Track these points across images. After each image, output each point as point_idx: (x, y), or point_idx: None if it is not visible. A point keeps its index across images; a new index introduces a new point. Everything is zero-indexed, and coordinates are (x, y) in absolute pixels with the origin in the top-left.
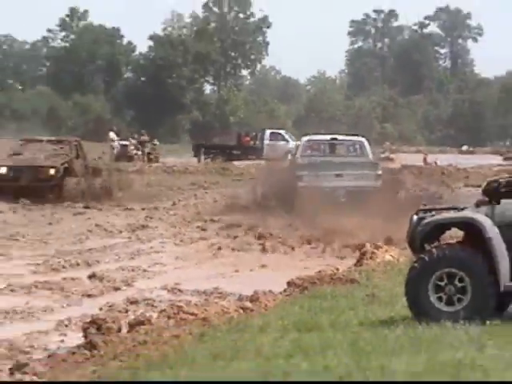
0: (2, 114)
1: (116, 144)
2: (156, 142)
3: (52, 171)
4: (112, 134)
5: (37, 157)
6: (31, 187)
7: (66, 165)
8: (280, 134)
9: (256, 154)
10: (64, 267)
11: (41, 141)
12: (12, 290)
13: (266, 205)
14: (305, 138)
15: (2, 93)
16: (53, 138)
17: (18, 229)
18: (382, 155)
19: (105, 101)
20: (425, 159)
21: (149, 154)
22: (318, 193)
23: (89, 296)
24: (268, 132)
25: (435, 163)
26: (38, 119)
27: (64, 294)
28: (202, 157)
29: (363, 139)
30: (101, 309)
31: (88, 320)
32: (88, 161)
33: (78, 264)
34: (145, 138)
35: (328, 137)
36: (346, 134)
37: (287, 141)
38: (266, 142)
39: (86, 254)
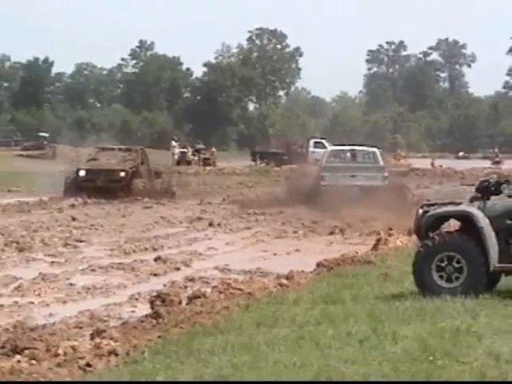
0: (84, 127)
1: (177, 151)
2: (214, 149)
3: (122, 174)
4: (173, 143)
5: (110, 162)
6: (105, 187)
7: (134, 168)
8: (321, 142)
9: (302, 159)
10: (134, 251)
11: (113, 149)
12: (92, 270)
13: (297, 200)
14: (329, 148)
15: (84, 110)
16: (122, 147)
17: (98, 220)
18: (396, 161)
19: (167, 116)
20: (432, 163)
21: (206, 159)
22: (336, 189)
23: (155, 275)
24: (312, 141)
25: (440, 166)
26: (112, 131)
27: (134, 274)
28: (258, 161)
29: (375, 149)
30: (165, 285)
31: (154, 294)
32: (150, 165)
33: (146, 249)
34: (200, 146)
35: (348, 147)
36: (363, 145)
37: (327, 148)
38: (311, 149)
39: (153, 240)
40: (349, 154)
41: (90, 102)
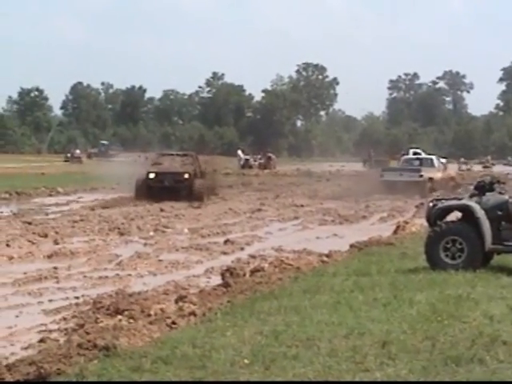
0: (170, 140)
1: (242, 158)
2: (273, 156)
3: (186, 175)
4: (239, 152)
5: (174, 165)
6: (171, 187)
7: (194, 171)
8: (418, 151)
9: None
10: (209, 235)
11: (171, 154)
12: (177, 250)
13: (356, 194)
14: (404, 157)
15: (170, 126)
16: (179, 152)
17: (180, 211)
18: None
19: (234, 130)
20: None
21: (263, 163)
22: (388, 183)
23: (224, 253)
24: (411, 150)
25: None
26: (191, 143)
27: (209, 252)
28: (368, 166)
29: (433, 156)
30: (232, 261)
31: (224, 268)
32: (202, 168)
33: (217, 233)
34: (258, 156)
35: (416, 156)
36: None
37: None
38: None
39: (223, 227)
40: (417, 160)
41: (175, 119)
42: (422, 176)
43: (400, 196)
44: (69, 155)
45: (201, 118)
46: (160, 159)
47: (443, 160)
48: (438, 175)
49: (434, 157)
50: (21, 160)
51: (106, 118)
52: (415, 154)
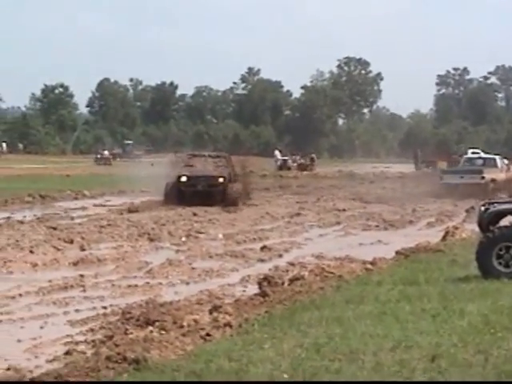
0: (203, 139)
1: (279, 159)
2: (314, 157)
3: (221, 179)
4: (276, 152)
5: (207, 168)
6: (205, 192)
7: (228, 174)
8: (477, 152)
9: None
10: (245, 241)
11: (203, 155)
12: (210, 257)
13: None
14: (464, 156)
15: (203, 125)
16: (211, 153)
17: (214, 215)
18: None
19: (271, 129)
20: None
21: (305, 165)
22: (449, 186)
23: (261, 260)
24: (470, 151)
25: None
26: (226, 142)
27: (245, 259)
28: (420, 166)
29: (496, 156)
30: (270, 269)
31: (261, 277)
32: (236, 170)
33: (254, 239)
34: (297, 157)
35: (477, 155)
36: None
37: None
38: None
39: (259, 232)
40: (479, 160)
41: (208, 118)
42: (483, 178)
43: (460, 199)
44: (99, 156)
45: (236, 116)
46: (191, 161)
47: (506, 160)
48: (501, 176)
49: (497, 157)
50: (45, 161)
51: (135, 116)
52: (474, 154)
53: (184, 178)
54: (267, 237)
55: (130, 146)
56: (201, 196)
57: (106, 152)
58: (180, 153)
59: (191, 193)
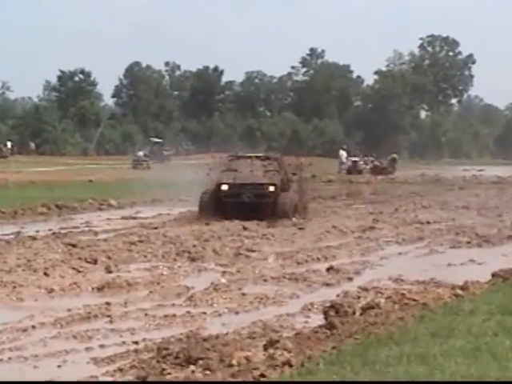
0: (254, 136)
1: (345, 160)
2: (396, 157)
3: (272, 188)
4: (341, 152)
5: (255, 174)
6: (251, 204)
7: (280, 181)
8: None
9: None
10: (307, 261)
11: (249, 157)
12: (265, 280)
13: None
14: None
15: (254, 118)
16: (259, 155)
17: (269, 229)
18: None
19: (338, 124)
20: None
21: (381, 167)
22: None
23: (327, 285)
24: None
25: None
26: (283, 140)
27: (307, 283)
28: None
29: None
30: (338, 295)
31: (327, 304)
32: (289, 175)
33: (318, 258)
34: (370, 158)
35: None
36: None
37: None
38: None
39: (325, 250)
40: None
41: (260, 110)
42: None
43: None
44: (135, 158)
45: (295, 108)
46: (234, 164)
47: None
48: None
49: None
50: (62, 163)
51: (172, 108)
52: None
53: (225, 187)
54: (334, 256)
55: (158, 144)
56: (246, 208)
57: (141, 153)
58: (224, 153)
59: (234, 204)
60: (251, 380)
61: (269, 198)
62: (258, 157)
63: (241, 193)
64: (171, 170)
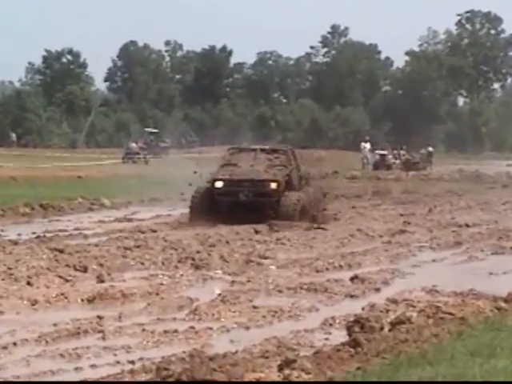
0: (268, 125)
1: (368, 154)
2: (432, 151)
3: (274, 185)
4: (365, 145)
5: (256, 169)
6: (249, 204)
7: (287, 177)
8: None
9: None
10: (327, 269)
11: (253, 150)
12: (279, 291)
13: None
14: None
15: (268, 106)
16: (265, 147)
17: (285, 233)
18: None
19: (363, 113)
20: None
21: (412, 162)
22: None
23: (351, 296)
24: None
25: None
26: (300, 130)
27: (328, 295)
28: None
29: None
30: (363, 308)
31: (351, 319)
32: (302, 171)
33: (340, 266)
34: (401, 151)
35: None
36: None
37: None
38: None
39: (348, 257)
40: None
41: (275, 96)
42: None
43: None
44: (127, 151)
45: (314, 94)
46: (235, 158)
47: None
48: None
49: None
50: (47, 157)
51: (173, 94)
52: None
53: (219, 184)
54: (359, 263)
55: (153, 135)
56: (243, 209)
57: (134, 145)
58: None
59: (229, 204)
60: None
61: (270, 198)
62: (263, 150)
63: (237, 191)
64: (171, 165)
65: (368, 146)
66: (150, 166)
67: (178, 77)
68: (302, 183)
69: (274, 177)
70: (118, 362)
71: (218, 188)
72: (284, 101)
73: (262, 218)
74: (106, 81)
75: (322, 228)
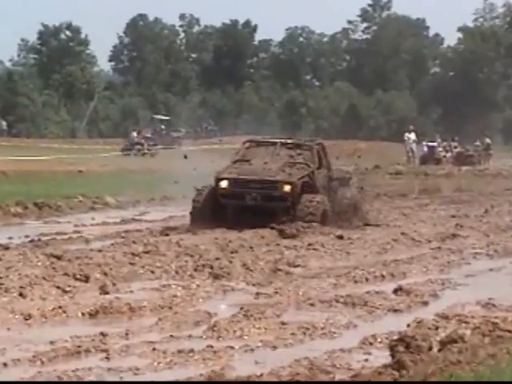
0: (298, 113)
1: (413, 145)
2: (488, 140)
3: (287, 187)
4: (409, 135)
5: (268, 167)
6: (258, 208)
7: (306, 178)
8: None
9: None
10: (367, 279)
11: (274, 144)
12: (311, 304)
13: None
14: None
15: (299, 90)
16: (289, 141)
17: (317, 237)
18: None
19: (409, 98)
20: None
21: (465, 156)
22: None
23: (395, 311)
24: None
25: None
26: (336, 118)
27: (367, 309)
28: None
29: None
30: (408, 325)
31: (395, 337)
32: (335, 170)
33: (382, 276)
34: (453, 143)
35: None
36: None
37: None
38: None
39: (392, 265)
40: None
41: (306, 79)
42: None
43: None
44: (127, 143)
45: (352, 77)
46: (252, 153)
47: None
48: None
49: None
50: (43, 149)
51: (189, 76)
52: None
53: (224, 183)
54: (404, 272)
55: (164, 123)
56: (251, 214)
57: (135, 134)
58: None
59: (235, 209)
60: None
61: (282, 202)
62: (284, 144)
63: (244, 192)
64: (183, 158)
65: (413, 136)
66: (159, 159)
67: (194, 56)
68: (332, 184)
69: (288, 178)
70: None
71: (223, 189)
72: (317, 84)
73: (273, 224)
74: (110, 60)
75: (339, 236)
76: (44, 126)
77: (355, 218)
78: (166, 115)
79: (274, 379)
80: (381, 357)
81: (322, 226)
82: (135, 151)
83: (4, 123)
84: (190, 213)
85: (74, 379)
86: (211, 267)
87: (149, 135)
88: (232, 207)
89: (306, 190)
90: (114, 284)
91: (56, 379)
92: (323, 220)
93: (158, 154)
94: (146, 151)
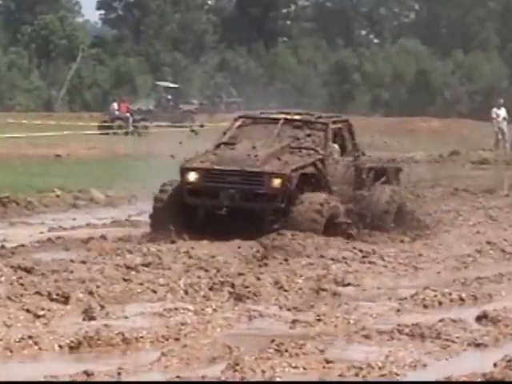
0: (350, 80)
1: (504, 125)
2: None
3: (276, 182)
4: (498, 111)
5: (253, 153)
6: (241, 210)
7: (308, 169)
8: None
9: None
10: (440, 304)
11: (276, 121)
12: (366, 336)
13: None
14: None
15: (351, 49)
16: (296, 117)
17: (373, 246)
18: None
19: (499, 61)
20: None
21: None
22: None
23: (477, 346)
24: None
25: None
26: (400, 87)
27: (441, 343)
28: None
29: None
30: (495, 364)
31: (478, 379)
32: (364, 161)
33: (461, 299)
34: None
35: None
36: None
37: None
38: None
39: (473, 284)
40: None
41: (362, 34)
42: None
43: None
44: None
45: (422, 32)
46: (245, 132)
47: None
48: None
49: None
50: (8, 125)
51: (203, 29)
52: None
53: (192, 176)
54: (489, 294)
55: (171, 93)
56: (228, 219)
57: (115, 106)
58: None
59: (207, 211)
60: None
61: (269, 202)
62: (290, 121)
63: (218, 189)
64: (199, 140)
65: (503, 113)
66: (157, 139)
67: (210, 3)
68: (361, 178)
69: (278, 169)
70: None
71: (191, 183)
72: (375, 42)
73: (258, 230)
74: (99, 8)
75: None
76: (10, 95)
77: (401, 228)
78: (173, 82)
79: None
80: None
81: (328, 237)
82: (115, 128)
83: None
84: (150, 216)
85: None
86: (232, 286)
87: (151, 107)
88: (202, 208)
89: (307, 185)
90: (102, 307)
91: None
92: (334, 229)
93: (152, 133)
94: (131, 129)
